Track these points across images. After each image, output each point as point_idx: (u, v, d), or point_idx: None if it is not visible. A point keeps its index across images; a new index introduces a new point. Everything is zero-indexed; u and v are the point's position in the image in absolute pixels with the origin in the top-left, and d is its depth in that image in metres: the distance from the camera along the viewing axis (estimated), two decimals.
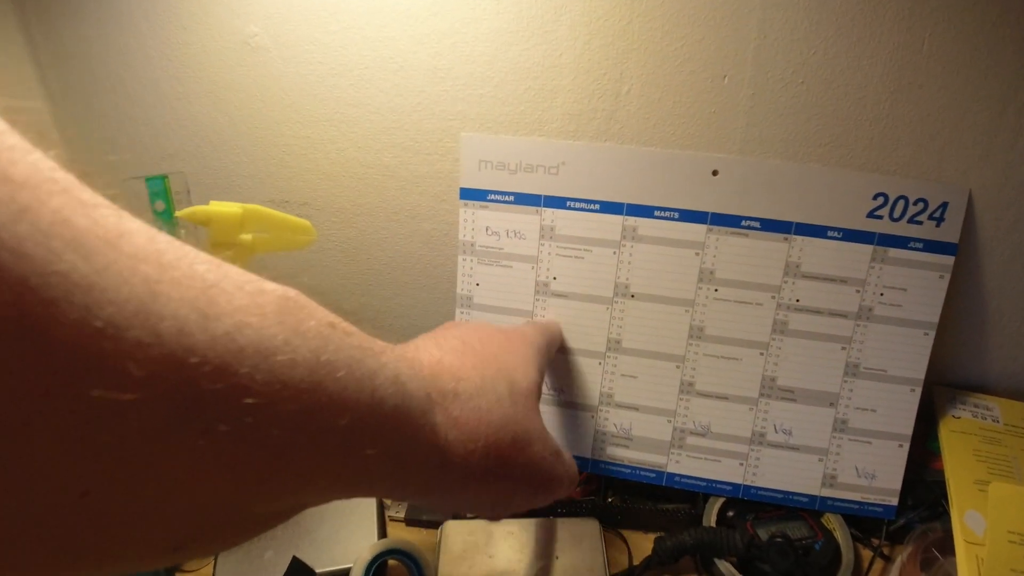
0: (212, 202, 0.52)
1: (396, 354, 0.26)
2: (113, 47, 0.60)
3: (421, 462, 0.27)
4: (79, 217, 0.15)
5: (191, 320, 0.17)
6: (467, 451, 0.30)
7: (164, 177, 0.56)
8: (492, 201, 0.59)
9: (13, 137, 0.15)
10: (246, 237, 0.53)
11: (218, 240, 0.53)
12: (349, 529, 0.61)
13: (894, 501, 0.59)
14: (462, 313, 0.62)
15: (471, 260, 0.61)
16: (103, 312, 0.15)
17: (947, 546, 0.55)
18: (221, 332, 0.17)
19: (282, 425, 0.19)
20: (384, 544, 0.57)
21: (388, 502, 0.64)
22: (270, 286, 0.21)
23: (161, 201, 0.56)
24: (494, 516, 0.38)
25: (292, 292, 0.21)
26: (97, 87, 0.62)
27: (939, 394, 0.65)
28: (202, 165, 0.64)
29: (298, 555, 0.57)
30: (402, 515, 0.63)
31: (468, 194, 0.59)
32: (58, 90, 0.63)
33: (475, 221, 0.60)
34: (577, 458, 0.62)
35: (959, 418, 0.63)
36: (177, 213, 0.52)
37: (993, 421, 0.63)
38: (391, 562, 0.59)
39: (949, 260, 0.56)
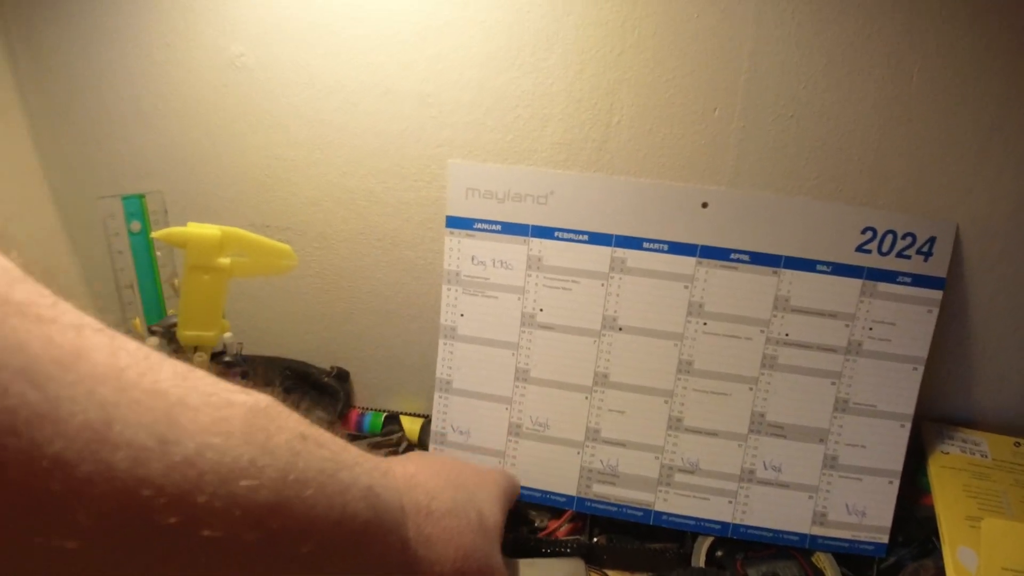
0: (190, 223, 0.50)
1: (370, 464, 0.25)
2: (95, 63, 0.59)
3: None
4: (34, 339, 0.14)
5: (148, 447, 0.15)
6: (434, 574, 0.29)
7: (141, 196, 0.54)
8: (479, 230, 0.58)
9: None
10: (224, 260, 0.51)
11: (195, 263, 0.51)
12: None
13: (885, 538, 0.58)
14: (445, 344, 0.60)
15: (456, 290, 0.59)
16: (52, 448, 0.13)
17: None
18: (180, 458, 0.16)
19: (241, 557, 0.18)
20: None
21: None
22: (240, 397, 0.19)
23: (137, 221, 0.54)
24: None
25: (264, 401, 0.20)
26: (77, 103, 0.61)
27: (928, 429, 0.64)
28: (181, 186, 0.62)
29: None
30: None
31: (454, 222, 0.58)
32: (37, 105, 0.62)
33: (461, 250, 0.58)
34: (562, 495, 0.60)
35: (948, 453, 0.62)
36: (153, 234, 0.50)
37: (982, 456, 0.63)
38: None
39: (937, 295, 0.56)
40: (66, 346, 0.15)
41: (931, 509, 0.59)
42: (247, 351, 0.59)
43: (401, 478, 0.29)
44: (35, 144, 0.63)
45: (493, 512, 0.37)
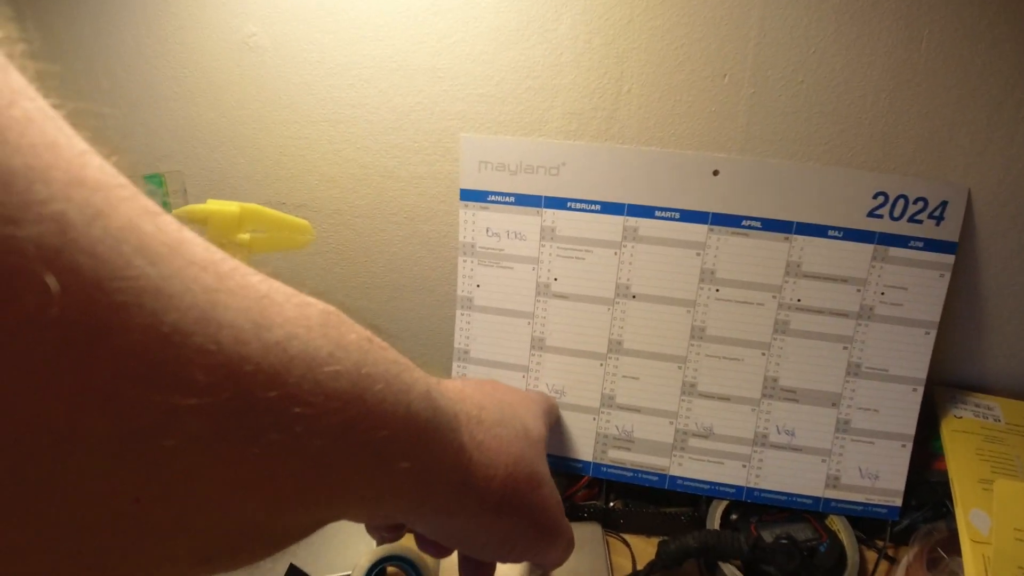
0: (209, 200, 0.51)
1: (424, 373, 0.27)
2: (109, 46, 0.60)
3: (445, 480, 0.27)
4: (146, 223, 0.15)
5: (246, 329, 0.17)
6: (488, 476, 0.30)
7: (160, 176, 0.55)
8: (492, 202, 0.59)
9: (82, 142, 0.15)
10: (244, 236, 0.52)
11: (216, 239, 0.52)
12: (347, 535, 0.60)
13: (898, 502, 0.59)
14: (462, 315, 0.61)
15: (471, 261, 0.60)
16: (169, 318, 0.15)
17: (952, 546, 0.55)
18: (273, 342, 0.18)
19: (326, 436, 0.19)
20: (383, 550, 0.56)
21: None
22: (313, 300, 0.21)
23: (157, 200, 0.56)
24: (496, 558, 0.38)
25: (332, 308, 0.22)
26: (90, 88, 0.62)
27: (940, 394, 0.65)
28: (198, 166, 0.63)
29: (295, 563, 0.56)
30: None
31: (468, 195, 0.59)
32: (53, 90, 0.63)
33: (475, 222, 0.59)
34: (578, 461, 0.61)
35: (961, 418, 0.63)
36: (174, 211, 0.51)
37: (995, 420, 0.63)
38: (390, 569, 0.58)
39: (949, 259, 0.56)
40: (171, 233, 0.16)
41: (944, 473, 0.60)
42: None
43: (451, 390, 0.30)
44: None
45: (537, 426, 0.38)
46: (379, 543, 0.45)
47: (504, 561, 0.39)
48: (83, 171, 0.14)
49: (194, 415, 0.15)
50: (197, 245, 0.17)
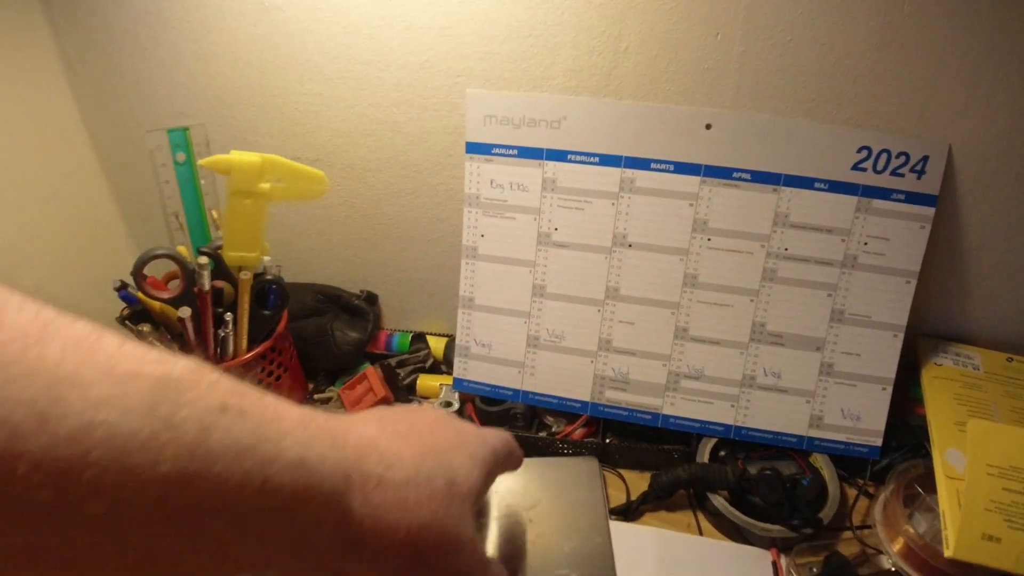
0: (233, 151, 0.54)
1: (312, 431, 0.25)
2: (130, 9, 0.63)
3: (328, 548, 0.25)
4: None
5: (25, 424, 0.15)
6: (382, 543, 0.27)
7: (185, 129, 0.59)
8: (496, 155, 0.62)
9: None
10: (264, 186, 0.56)
11: (238, 188, 0.55)
12: None
13: (878, 442, 0.63)
14: (467, 264, 0.65)
15: (476, 212, 0.64)
16: None
17: (928, 483, 0.58)
18: (64, 434, 0.16)
19: (140, 531, 0.18)
20: None
21: None
22: (151, 367, 0.19)
23: (182, 152, 0.59)
24: None
25: (181, 370, 0.20)
26: (114, 49, 0.65)
27: (923, 344, 0.68)
28: (217, 123, 0.66)
29: None
30: None
31: (474, 148, 0.62)
32: (75, 54, 0.66)
33: (480, 174, 0.62)
34: (577, 401, 0.65)
35: (941, 365, 0.66)
36: (200, 162, 0.55)
37: (974, 369, 0.66)
38: None
39: (930, 211, 0.59)
40: None
41: (924, 418, 0.63)
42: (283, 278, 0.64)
43: (354, 445, 0.27)
44: (74, 94, 0.68)
45: (470, 475, 0.33)
46: None
47: None
48: None
49: None
50: None
